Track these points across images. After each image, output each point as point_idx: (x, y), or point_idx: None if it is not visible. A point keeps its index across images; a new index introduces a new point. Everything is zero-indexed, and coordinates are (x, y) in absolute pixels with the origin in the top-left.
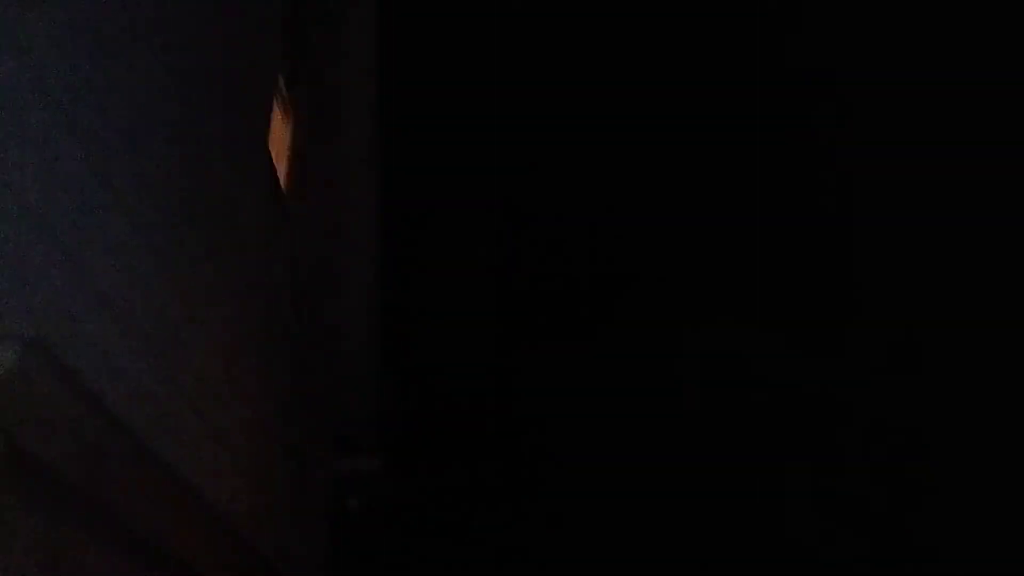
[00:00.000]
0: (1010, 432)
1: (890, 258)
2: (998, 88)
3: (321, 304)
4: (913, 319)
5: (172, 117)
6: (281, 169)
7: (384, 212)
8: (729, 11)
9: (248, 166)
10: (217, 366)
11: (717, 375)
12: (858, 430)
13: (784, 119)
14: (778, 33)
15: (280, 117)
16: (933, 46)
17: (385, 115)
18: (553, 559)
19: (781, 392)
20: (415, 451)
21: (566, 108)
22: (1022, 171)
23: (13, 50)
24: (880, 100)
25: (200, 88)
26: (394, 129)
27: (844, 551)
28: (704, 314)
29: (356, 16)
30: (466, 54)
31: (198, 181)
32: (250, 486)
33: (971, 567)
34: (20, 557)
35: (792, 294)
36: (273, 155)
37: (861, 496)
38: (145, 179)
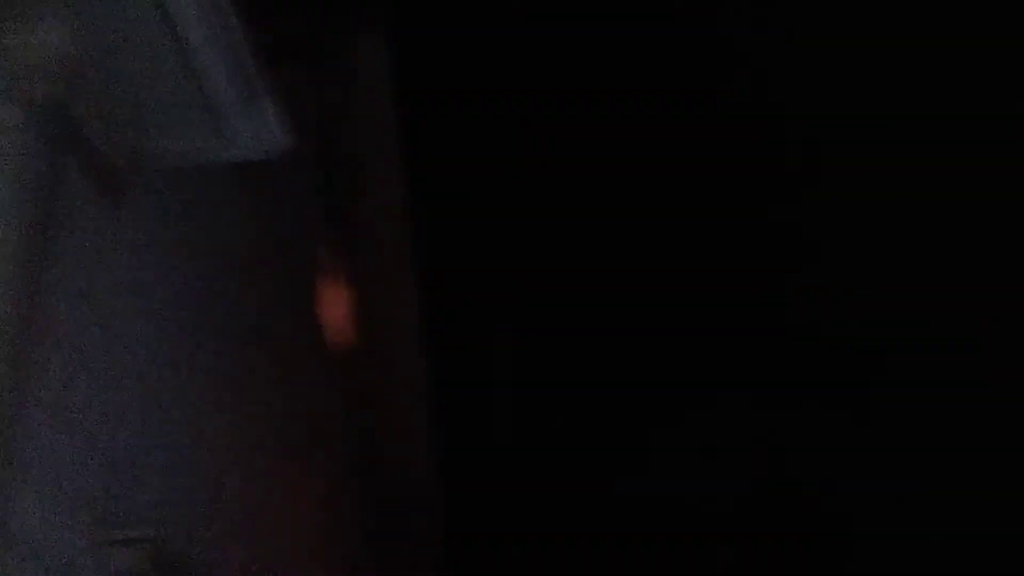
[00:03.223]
0: None
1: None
2: None
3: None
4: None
5: (242, 308)
6: (334, 332)
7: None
8: None
9: (308, 335)
10: (306, 541)
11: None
12: None
13: None
14: None
15: (329, 284)
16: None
17: (424, 266)
18: None
19: None
20: None
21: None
22: None
23: (101, 266)
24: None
25: (263, 273)
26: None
27: None
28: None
29: (389, 186)
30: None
31: (269, 359)
32: None
33: None
34: None
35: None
36: (325, 320)
37: None
38: (225, 367)
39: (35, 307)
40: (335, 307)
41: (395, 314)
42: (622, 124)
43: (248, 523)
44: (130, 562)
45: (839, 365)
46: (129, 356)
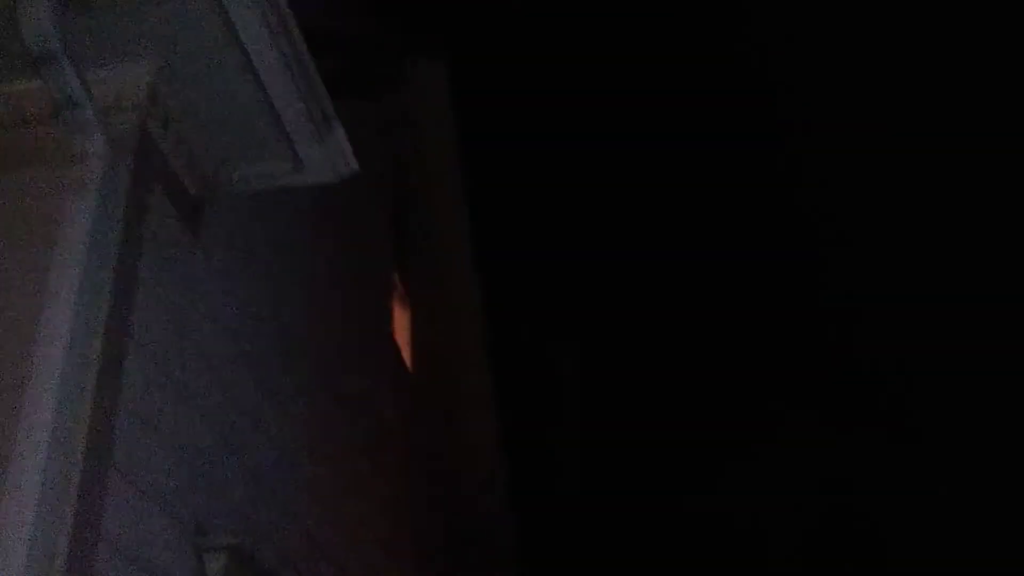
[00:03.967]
0: None
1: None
2: None
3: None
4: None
5: (317, 330)
6: (406, 354)
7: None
8: None
9: (380, 357)
10: (378, 551)
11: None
12: None
13: None
14: None
15: (399, 308)
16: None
17: (488, 291)
18: None
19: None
20: None
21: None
22: None
23: (185, 289)
24: None
25: (337, 297)
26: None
27: None
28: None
29: (454, 215)
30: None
31: (342, 378)
32: None
33: None
34: None
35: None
36: (400, 342)
37: None
38: (300, 384)
39: (124, 322)
40: (405, 331)
41: (462, 338)
42: (683, 151)
43: (321, 531)
44: (216, 568)
45: (893, 399)
46: (212, 372)
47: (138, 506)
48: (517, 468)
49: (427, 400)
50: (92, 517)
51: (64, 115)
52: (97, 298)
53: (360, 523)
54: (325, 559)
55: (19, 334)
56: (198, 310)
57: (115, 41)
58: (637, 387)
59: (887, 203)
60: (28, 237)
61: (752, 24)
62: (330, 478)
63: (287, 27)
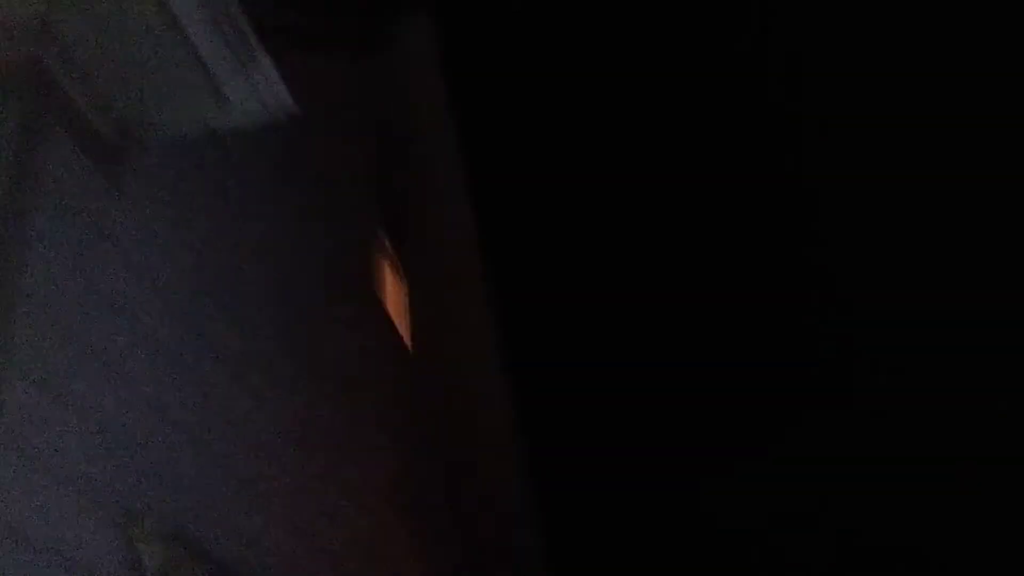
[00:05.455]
0: None
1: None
2: None
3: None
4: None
5: (282, 297)
6: (403, 328)
7: (510, 362)
8: None
9: (366, 329)
10: (361, 530)
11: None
12: None
13: None
14: None
15: (392, 279)
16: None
17: (491, 265)
18: None
19: None
20: None
21: None
22: None
23: (134, 269)
24: None
25: (305, 262)
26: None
27: None
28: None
29: (449, 181)
30: (562, 213)
31: (315, 350)
32: None
33: None
34: None
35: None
36: (393, 316)
37: None
38: (262, 357)
39: (15, 277)
40: (388, 296)
41: (460, 304)
42: (665, 105)
43: (290, 517)
44: (158, 558)
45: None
46: (135, 336)
47: (50, 492)
48: (536, 456)
49: (427, 381)
50: None
51: None
52: None
53: (344, 506)
54: (303, 556)
55: None
56: (119, 265)
57: None
58: (636, 367)
59: (884, 204)
60: None
61: None
62: (303, 462)
63: None
